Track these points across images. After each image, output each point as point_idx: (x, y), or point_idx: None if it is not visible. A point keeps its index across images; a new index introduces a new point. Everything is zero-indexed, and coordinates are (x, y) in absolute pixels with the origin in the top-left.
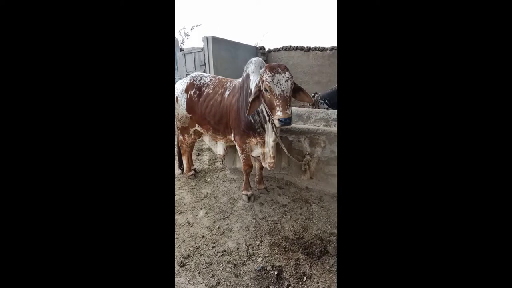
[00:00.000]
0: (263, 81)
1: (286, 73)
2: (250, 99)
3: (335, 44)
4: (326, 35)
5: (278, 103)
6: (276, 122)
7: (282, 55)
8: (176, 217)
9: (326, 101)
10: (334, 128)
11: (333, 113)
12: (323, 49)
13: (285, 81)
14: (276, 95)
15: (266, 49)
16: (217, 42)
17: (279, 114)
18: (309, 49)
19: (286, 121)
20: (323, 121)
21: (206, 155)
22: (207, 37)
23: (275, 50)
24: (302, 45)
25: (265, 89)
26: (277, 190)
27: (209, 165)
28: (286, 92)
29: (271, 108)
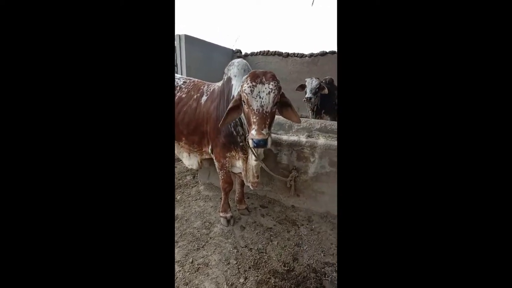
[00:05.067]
0: (242, 91)
1: (271, 83)
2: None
3: (314, 51)
4: (305, 42)
5: (254, 120)
6: (250, 142)
7: (260, 60)
8: None
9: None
10: (326, 141)
11: (316, 123)
12: (302, 56)
13: (267, 94)
14: (254, 110)
15: (243, 53)
16: (190, 42)
17: (253, 133)
18: (287, 55)
19: (260, 143)
20: (305, 131)
21: (176, 167)
22: (179, 35)
23: (253, 54)
24: (280, 50)
25: (243, 101)
26: (260, 210)
27: (178, 179)
28: (266, 108)
29: (248, 124)
